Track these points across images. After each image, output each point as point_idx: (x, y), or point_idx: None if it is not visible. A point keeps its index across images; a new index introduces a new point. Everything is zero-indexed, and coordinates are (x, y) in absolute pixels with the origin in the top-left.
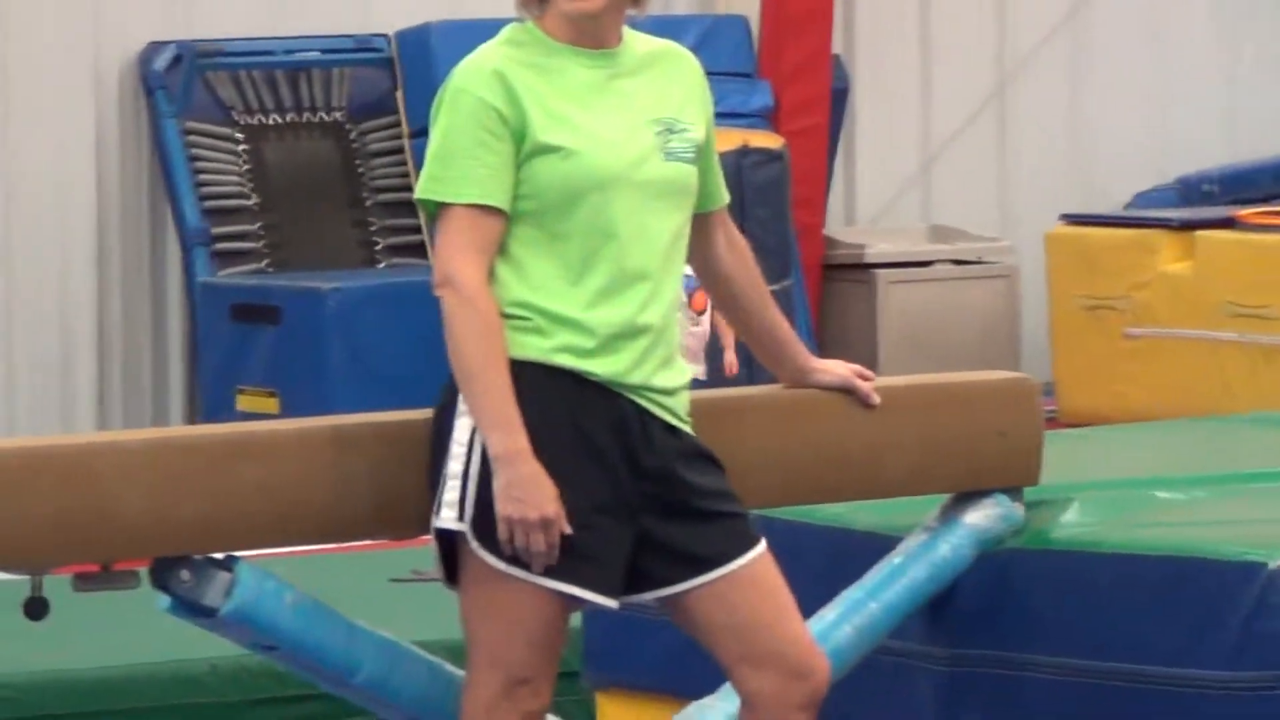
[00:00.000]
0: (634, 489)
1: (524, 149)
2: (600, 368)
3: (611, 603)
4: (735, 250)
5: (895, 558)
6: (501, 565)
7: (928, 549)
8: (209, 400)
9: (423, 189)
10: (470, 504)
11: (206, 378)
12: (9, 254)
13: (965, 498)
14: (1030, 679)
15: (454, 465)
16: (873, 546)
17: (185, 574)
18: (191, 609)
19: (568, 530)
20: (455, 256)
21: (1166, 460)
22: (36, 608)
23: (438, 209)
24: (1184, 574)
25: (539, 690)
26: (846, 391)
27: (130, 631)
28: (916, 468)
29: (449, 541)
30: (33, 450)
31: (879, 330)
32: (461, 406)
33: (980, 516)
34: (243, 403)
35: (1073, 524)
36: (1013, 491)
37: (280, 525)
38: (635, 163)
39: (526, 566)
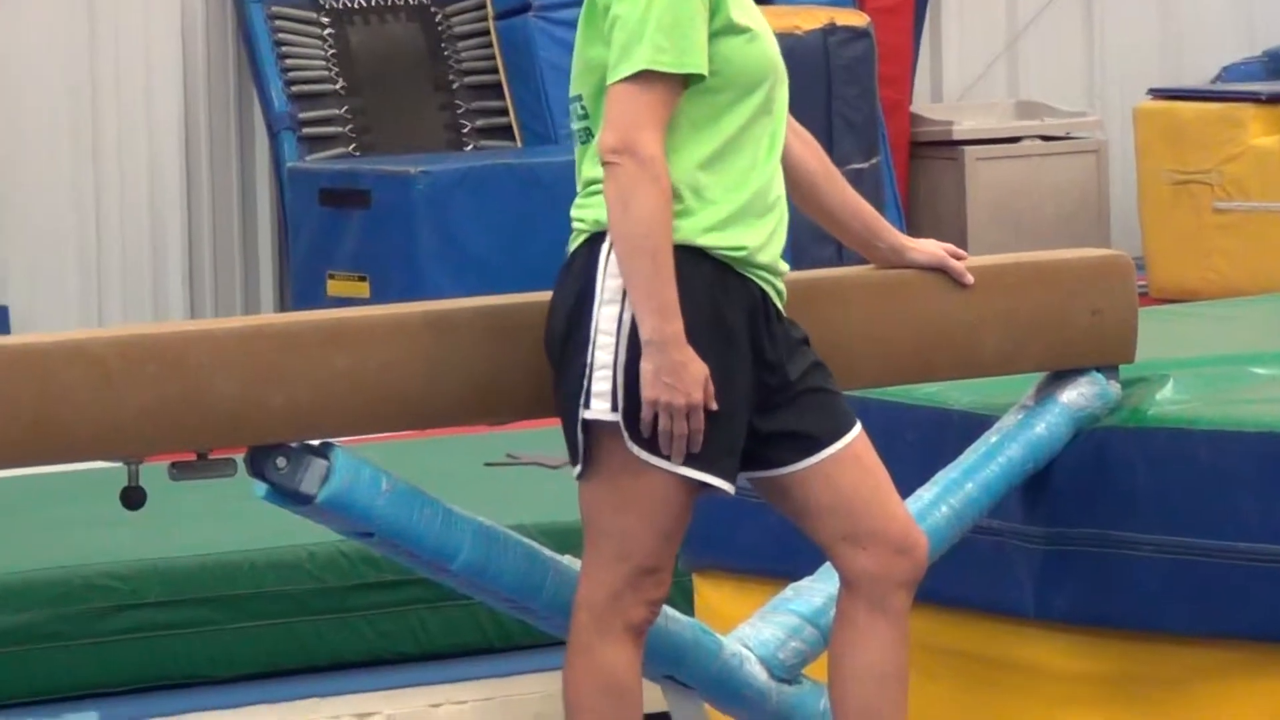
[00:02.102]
0: (754, 376)
1: (713, 25)
2: (742, 240)
3: (732, 489)
4: (800, 136)
5: (992, 437)
6: (646, 455)
7: (1024, 428)
8: (299, 285)
9: (650, 59)
10: (622, 394)
11: (296, 263)
12: (97, 142)
13: (1061, 376)
14: (1127, 557)
15: (602, 355)
16: (969, 426)
17: (281, 461)
18: (288, 496)
19: (704, 414)
20: (644, 127)
21: (1261, 336)
22: (134, 497)
23: (615, 76)
24: None
25: (663, 580)
26: (940, 271)
27: (227, 519)
28: (1012, 346)
29: (583, 432)
30: (128, 339)
31: (967, 207)
32: (605, 295)
33: (1076, 395)
34: (333, 287)
35: (1168, 401)
36: (1108, 369)
37: (374, 411)
38: (778, 49)
39: (665, 456)
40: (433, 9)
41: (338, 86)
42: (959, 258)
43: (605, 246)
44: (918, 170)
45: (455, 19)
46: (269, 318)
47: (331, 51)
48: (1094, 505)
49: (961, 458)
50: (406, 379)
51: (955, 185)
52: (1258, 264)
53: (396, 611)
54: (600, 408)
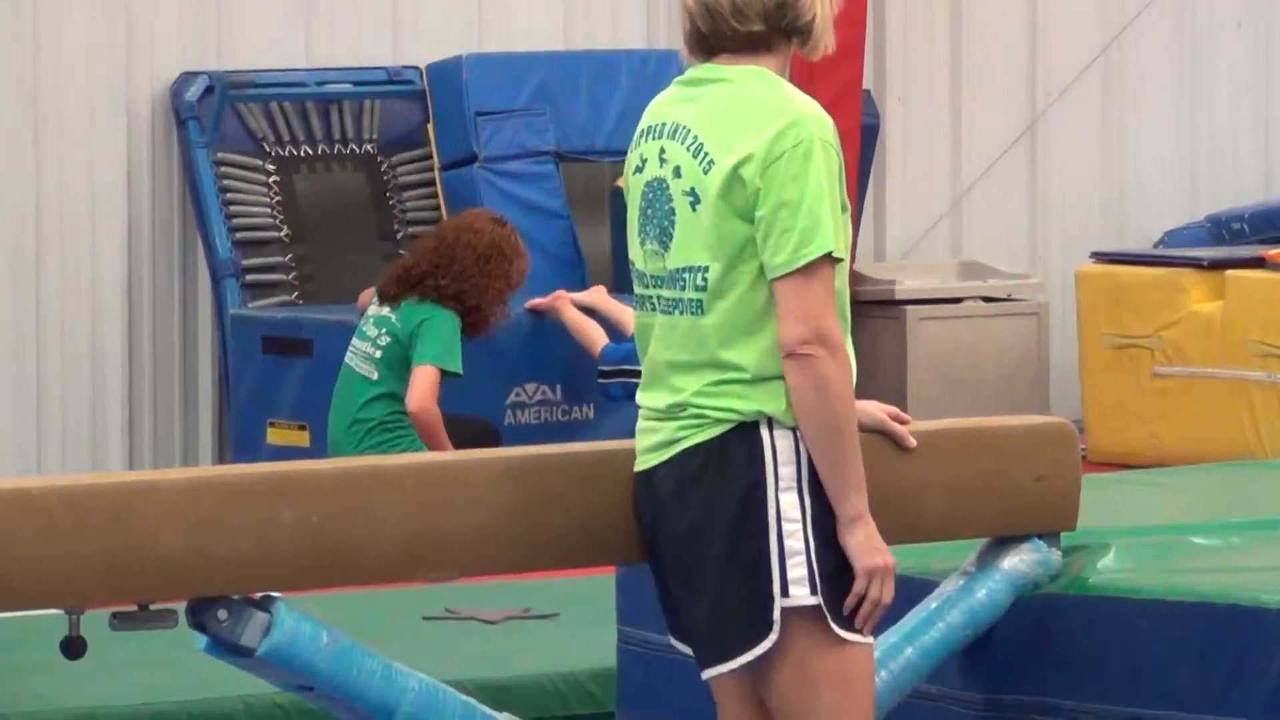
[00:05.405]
0: None
1: None
2: None
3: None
4: None
5: (932, 602)
6: (847, 633)
7: (965, 593)
8: (240, 433)
9: (833, 243)
10: (818, 577)
11: (237, 410)
12: (40, 283)
13: (1002, 542)
14: None
15: (792, 542)
16: (909, 591)
17: (222, 613)
18: (228, 649)
19: None
20: (827, 314)
21: (1202, 505)
22: (75, 647)
23: (793, 265)
24: (1221, 621)
25: None
26: (881, 433)
27: (163, 668)
28: (953, 512)
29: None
30: (73, 489)
31: (908, 366)
32: (782, 482)
33: (1017, 561)
34: (274, 436)
35: (1109, 570)
36: (1050, 536)
37: (316, 565)
38: None
39: (858, 630)
40: (379, 158)
41: (282, 234)
42: (901, 421)
43: (767, 434)
44: (859, 328)
45: (401, 168)
46: (215, 469)
47: (277, 199)
48: (1033, 672)
49: (901, 622)
50: (348, 532)
51: (896, 344)
52: (1197, 430)
53: None
54: (800, 593)
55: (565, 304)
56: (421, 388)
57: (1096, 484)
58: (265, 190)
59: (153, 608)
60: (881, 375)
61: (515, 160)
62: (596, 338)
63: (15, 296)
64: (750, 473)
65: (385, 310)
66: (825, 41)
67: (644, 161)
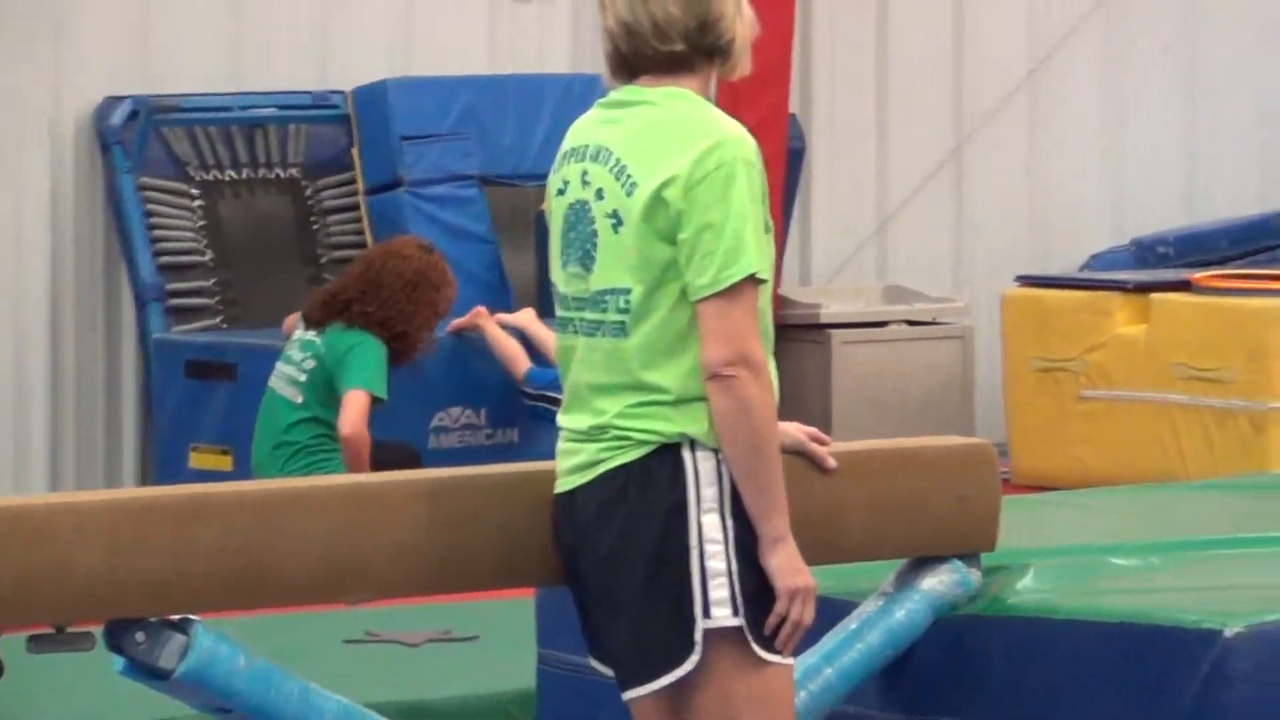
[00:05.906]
0: None
1: None
2: None
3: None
4: None
5: (851, 623)
6: (769, 654)
7: (883, 614)
8: (162, 457)
9: (757, 265)
10: (740, 598)
11: (160, 434)
12: None
13: (922, 563)
14: None
15: (715, 564)
16: (829, 611)
17: (140, 636)
18: (146, 671)
19: None
20: (750, 335)
21: (1122, 526)
22: None
23: (717, 287)
24: (1140, 641)
25: None
26: (801, 454)
27: (82, 692)
28: (873, 532)
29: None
30: None
31: (833, 390)
32: (704, 504)
33: (936, 582)
34: (196, 460)
35: (1028, 590)
36: (969, 557)
37: (236, 588)
38: None
39: (778, 651)
40: (303, 183)
41: (206, 258)
42: (821, 442)
43: (689, 455)
44: (784, 352)
45: (325, 193)
46: (133, 491)
47: (201, 223)
48: (951, 693)
49: (820, 643)
50: (268, 553)
51: (821, 368)
52: (1121, 453)
53: None
54: (722, 614)
55: (487, 321)
56: (354, 412)
57: (1018, 505)
58: (190, 215)
59: (70, 630)
60: (807, 399)
61: (440, 184)
62: (518, 356)
63: None
64: (672, 494)
65: (311, 335)
66: (744, 63)
67: (566, 184)
